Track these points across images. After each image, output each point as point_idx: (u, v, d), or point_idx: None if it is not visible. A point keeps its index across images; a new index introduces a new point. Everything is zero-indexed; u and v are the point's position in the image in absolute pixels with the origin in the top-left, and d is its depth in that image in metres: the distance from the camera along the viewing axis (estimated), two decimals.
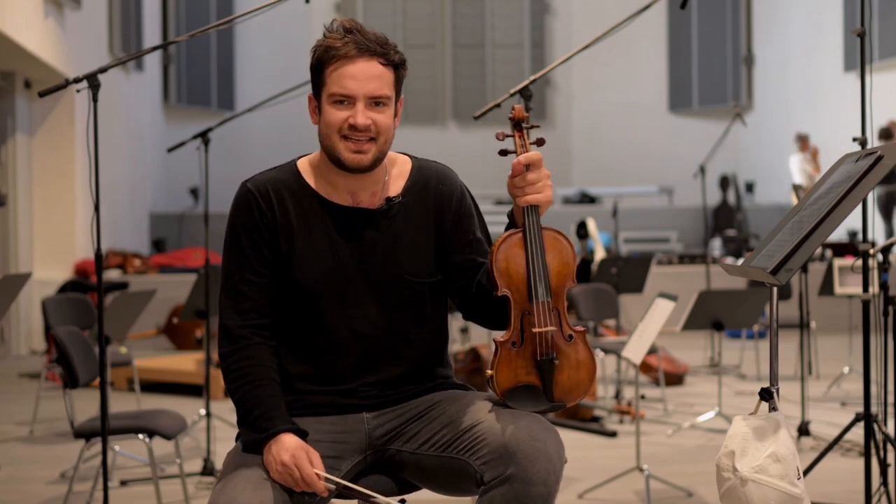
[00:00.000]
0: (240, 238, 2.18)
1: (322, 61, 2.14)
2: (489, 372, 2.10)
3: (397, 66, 2.16)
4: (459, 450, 2.07)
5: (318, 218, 2.18)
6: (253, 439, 2.08)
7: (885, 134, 10.68)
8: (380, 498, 2.05)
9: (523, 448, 1.98)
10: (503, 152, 2.17)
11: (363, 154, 2.12)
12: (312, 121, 2.21)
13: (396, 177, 2.24)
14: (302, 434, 2.07)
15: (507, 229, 2.15)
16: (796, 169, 11.99)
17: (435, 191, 2.25)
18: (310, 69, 2.18)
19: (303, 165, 2.23)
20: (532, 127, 2.20)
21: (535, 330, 2.08)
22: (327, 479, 2.01)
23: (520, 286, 2.10)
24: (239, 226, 2.18)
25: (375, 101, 2.12)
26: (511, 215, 2.16)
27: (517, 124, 2.18)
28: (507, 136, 2.19)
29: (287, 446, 2.02)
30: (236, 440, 2.18)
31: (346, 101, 2.11)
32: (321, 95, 2.15)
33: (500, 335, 2.11)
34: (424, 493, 2.26)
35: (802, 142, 12.20)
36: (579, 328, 2.14)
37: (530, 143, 2.16)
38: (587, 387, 2.14)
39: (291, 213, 2.17)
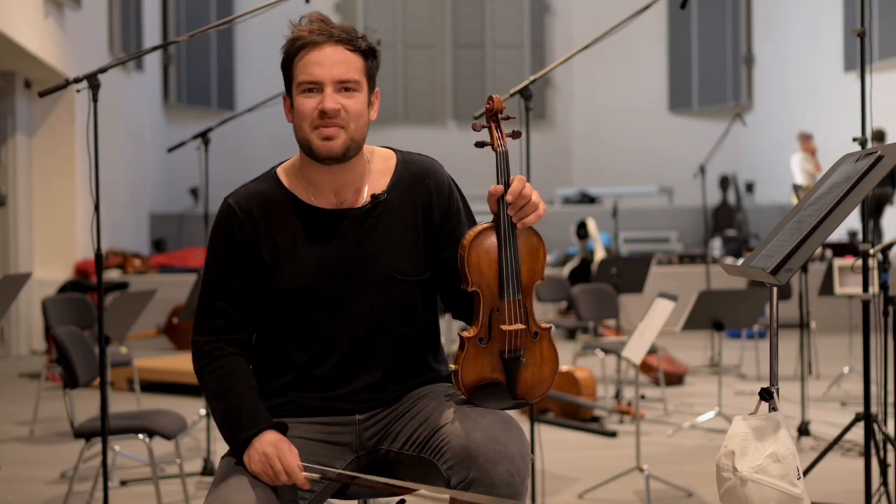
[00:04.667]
0: (220, 254, 2.15)
1: (290, 54, 2.12)
2: (453, 366, 2.07)
3: (365, 54, 2.13)
4: (431, 451, 2.05)
5: (303, 225, 2.14)
6: (238, 446, 2.07)
7: (878, 136, 10.68)
8: (362, 477, 2.06)
9: (483, 452, 1.96)
10: (479, 144, 2.13)
11: (332, 140, 2.07)
12: (288, 119, 2.17)
13: (381, 172, 2.19)
14: (282, 429, 2.08)
15: None
16: (797, 168, 11.99)
17: (423, 186, 2.20)
18: (281, 67, 2.15)
19: (282, 172, 2.19)
20: (507, 118, 2.14)
21: (505, 328, 2.05)
22: (308, 469, 2.02)
23: (491, 283, 2.05)
24: (219, 242, 2.16)
25: (344, 87, 2.09)
26: None
27: (493, 115, 2.13)
28: (483, 126, 2.14)
29: (268, 440, 2.03)
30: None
31: (314, 88, 2.08)
32: (292, 90, 2.13)
33: (466, 330, 2.08)
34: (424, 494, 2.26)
35: (803, 140, 12.19)
36: (545, 325, 2.11)
37: (506, 135, 2.11)
38: (549, 383, 2.12)
39: (275, 224, 2.13)
